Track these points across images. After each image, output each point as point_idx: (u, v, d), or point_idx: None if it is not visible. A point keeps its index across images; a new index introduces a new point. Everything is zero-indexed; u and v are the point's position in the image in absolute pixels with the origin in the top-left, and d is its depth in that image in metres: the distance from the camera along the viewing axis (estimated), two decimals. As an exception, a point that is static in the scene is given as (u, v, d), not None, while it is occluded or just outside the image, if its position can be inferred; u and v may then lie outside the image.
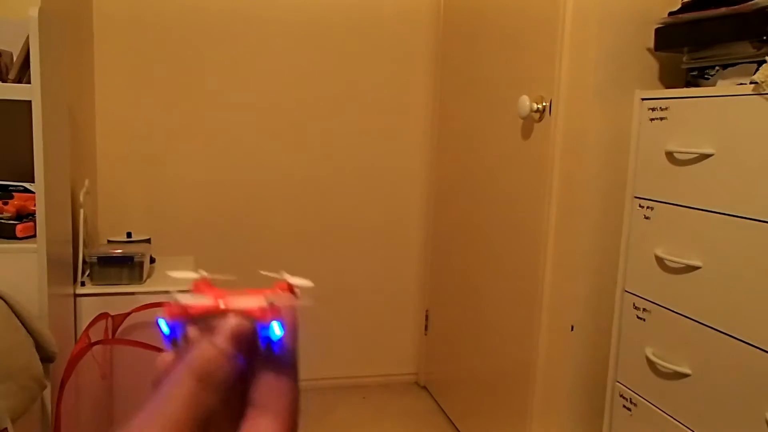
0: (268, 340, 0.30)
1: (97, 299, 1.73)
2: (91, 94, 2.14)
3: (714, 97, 1.17)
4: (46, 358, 1.36)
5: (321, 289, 2.52)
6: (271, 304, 0.30)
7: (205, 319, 0.31)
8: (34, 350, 1.32)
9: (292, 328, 0.31)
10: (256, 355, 0.31)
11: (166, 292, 1.77)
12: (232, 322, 0.30)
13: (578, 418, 1.56)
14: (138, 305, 1.74)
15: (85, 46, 2.07)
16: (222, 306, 0.30)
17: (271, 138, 2.32)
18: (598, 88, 1.45)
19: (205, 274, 0.33)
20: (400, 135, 2.43)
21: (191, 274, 0.34)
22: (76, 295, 1.72)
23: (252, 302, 0.30)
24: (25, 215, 1.48)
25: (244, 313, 0.31)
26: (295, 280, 0.34)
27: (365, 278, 2.48)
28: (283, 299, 0.31)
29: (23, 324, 1.29)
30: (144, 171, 2.23)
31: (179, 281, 0.32)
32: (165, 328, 0.30)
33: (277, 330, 0.30)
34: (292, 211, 2.38)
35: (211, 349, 0.29)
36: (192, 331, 0.31)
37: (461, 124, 2.15)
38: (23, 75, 1.39)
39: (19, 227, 1.42)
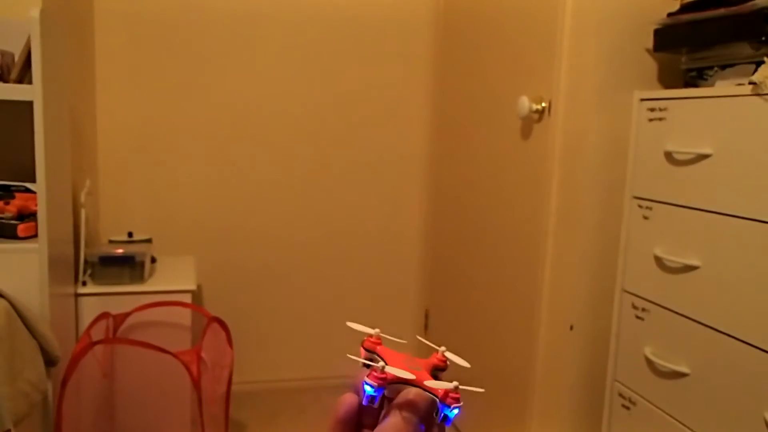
0: (444, 417, 0.36)
1: (98, 299, 1.74)
2: (93, 94, 2.14)
3: (712, 97, 1.17)
4: (50, 361, 1.37)
5: (321, 288, 2.54)
6: (455, 389, 0.36)
7: (397, 385, 0.36)
8: (38, 354, 1.33)
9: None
10: (430, 424, 0.37)
11: (168, 291, 1.79)
12: (421, 397, 0.36)
13: (577, 417, 1.56)
14: (139, 305, 1.75)
15: (87, 47, 2.08)
16: (415, 379, 0.37)
17: (271, 138, 2.32)
18: (598, 88, 1.45)
19: (378, 332, 0.39)
20: (399, 135, 2.44)
21: (368, 330, 0.39)
22: (77, 295, 1.73)
23: (440, 384, 0.36)
24: (27, 215, 1.49)
25: (430, 390, 0.36)
26: (454, 358, 0.40)
27: (365, 278, 2.49)
28: (454, 385, 0.37)
29: (28, 327, 1.29)
30: (145, 171, 2.24)
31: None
32: (370, 391, 0.36)
33: (455, 411, 0.36)
34: (293, 211, 2.38)
35: (402, 420, 0.35)
36: (387, 393, 0.36)
37: (461, 125, 2.15)
38: (24, 75, 1.40)
39: (20, 227, 1.43)
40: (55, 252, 1.45)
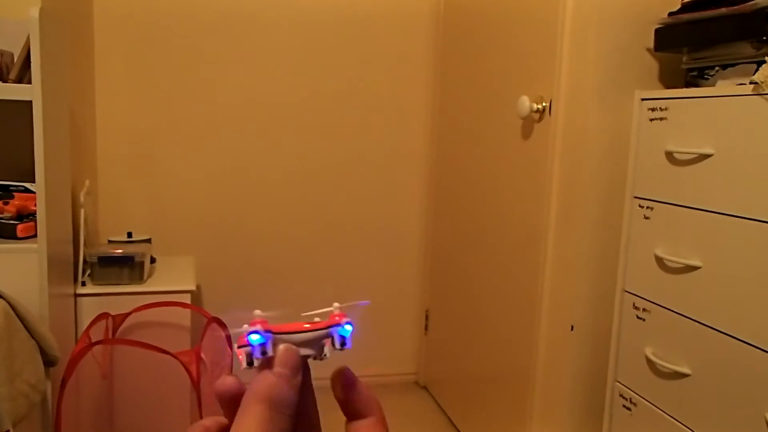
0: (342, 338, 0.37)
1: (97, 299, 1.74)
2: (92, 94, 2.14)
3: (714, 97, 1.17)
4: (49, 362, 1.37)
5: (321, 289, 2.53)
6: (341, 310, 0.38)
7: (283, 336, 0.36)
8: (38, 354, 1.32)
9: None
10: (306, 376, 0.36)
11: (167, 292, 1.78)
12: (283, 349, 0.35)
13: (578, 418, 1.56)
14: (138, 305, 1.74)
15: (86, 46, 2.07)
16: (300, 326, 0.36)
17: (270, 138, 2.32)
18: (598, 88, 1.45)
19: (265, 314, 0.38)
20: (400, 135, 2.44)
21: (269, 313, 0.38)
22: (76, 295, 1.73)
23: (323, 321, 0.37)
24: (26, 215, 1.48)
25: (320, 327, 0.37)
26: (349, 305, 0.40)
27: (365, 278, 2.48)
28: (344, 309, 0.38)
29: (27, 328, 1.29)
30: (144, 171, 2.23)
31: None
32: (259, 340, 0.35)
33: (348, 327, 0.37)
34: (293, 211, 2.38)
35: (271, 375, 0.33)
36: (271, 347, 0.35)
37: (461, 125, 2.15)
38: (24, 75, 1.39)
39: (19, 227, 1.43)
40: (54, 252, 1.45)
